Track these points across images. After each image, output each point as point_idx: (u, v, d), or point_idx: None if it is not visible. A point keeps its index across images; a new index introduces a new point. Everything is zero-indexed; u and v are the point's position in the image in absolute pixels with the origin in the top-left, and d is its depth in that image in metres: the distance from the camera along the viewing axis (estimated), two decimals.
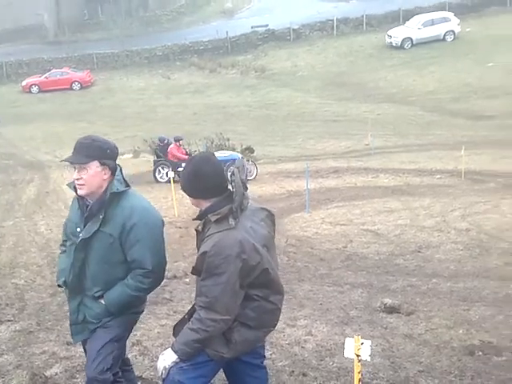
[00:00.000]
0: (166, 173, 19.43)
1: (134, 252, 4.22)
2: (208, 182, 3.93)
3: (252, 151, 24.20)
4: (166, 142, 20.88)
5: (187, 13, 62.62)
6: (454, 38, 46.51)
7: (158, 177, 20.68)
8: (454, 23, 46.60)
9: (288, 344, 6.46)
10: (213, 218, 3.89)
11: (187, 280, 8.90)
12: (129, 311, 4.40)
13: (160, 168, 20.69)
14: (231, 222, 3.86)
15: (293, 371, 5.78)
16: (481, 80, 39.59)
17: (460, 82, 39.86)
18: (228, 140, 25.70)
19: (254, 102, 41.29)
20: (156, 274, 4.30)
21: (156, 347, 6.33)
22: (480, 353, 6.12)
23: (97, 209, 4.27)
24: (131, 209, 4.23)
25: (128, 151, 26.05)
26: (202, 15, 61.47)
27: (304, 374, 5.70)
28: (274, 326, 4.23)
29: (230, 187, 4.01)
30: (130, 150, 26.30)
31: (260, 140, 29.00)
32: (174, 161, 20.35)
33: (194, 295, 4.13)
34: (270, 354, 6.05)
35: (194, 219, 4.15)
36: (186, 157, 20.43)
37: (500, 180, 18.18)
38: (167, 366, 3.96)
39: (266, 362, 4.47)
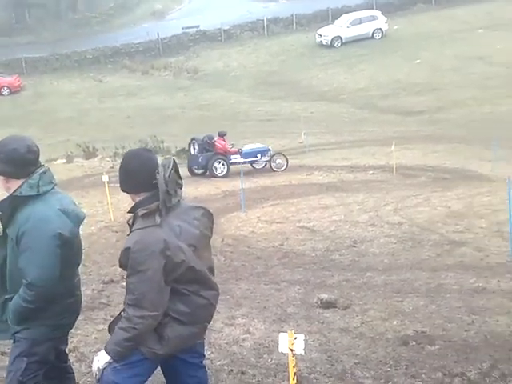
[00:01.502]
0: (223, 165, 20.36)
1: (21, 261, 4.10)
2: (136, 176, 3.97)
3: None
4: (213, 140, 20.68)
5: (117, 15, 61.97)
6: (382, 36, 47.36)
7: (216, 173, 20.35)
8: (381, 21, 47.46)
9: (226, 343, 6.50)
10: (140, 213, 3.93)
11: (124, 284, 8.82)
12: (34, 323, 4.22)
13: (216, 163, 20.46)
14: (157, 219, 3.89)
15: (232, 370, 5.82)
16: (409, 76, 40.41)
17: (389, 78, 40.61)
18: (162, 142, 25.58)
19: (188, 104, 41.15)
20: (38, 288, 4.08)
21: (93, 353, 6.23)
22: (414, 342, 6.27)
23: (3, 209, 4.20)
24: (28, 216, 4.11)
25: (61, 156, 25.60)
26: (132, 17, 60.91)
27: (243, 372, 5.75)
28: (208, 322, 4.25)
29: None
30: (63, 155, 25.85)
31: None
32: (224, 154, 20.67)
33: None
34: (209, 354, 6.07)
35: (128, 212, 4.16)
36: (236, 149, 21.01)
37: (430, 174, 18.61)
38: (101, 367, 3.96)
39: (205, 361, 4.49)
